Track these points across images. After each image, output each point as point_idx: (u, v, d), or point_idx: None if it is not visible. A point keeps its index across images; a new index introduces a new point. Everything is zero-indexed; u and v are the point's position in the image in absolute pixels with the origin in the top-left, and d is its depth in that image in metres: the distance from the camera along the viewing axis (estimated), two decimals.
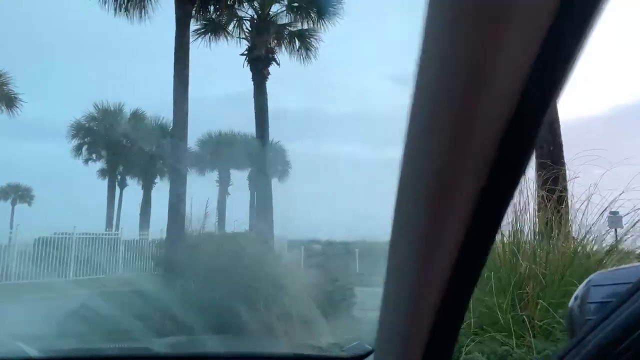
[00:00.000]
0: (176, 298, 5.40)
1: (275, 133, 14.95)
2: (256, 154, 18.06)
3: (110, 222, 20.29)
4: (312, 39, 13.87)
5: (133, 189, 21.96)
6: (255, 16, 12.79)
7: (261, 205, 11.46)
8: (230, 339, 3.12)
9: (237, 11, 13.12)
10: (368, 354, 1.14)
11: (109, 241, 15.88)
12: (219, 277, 6.67)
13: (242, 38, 13.14)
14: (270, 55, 12.61)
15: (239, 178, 23.34)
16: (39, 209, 26.75)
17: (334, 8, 13.08)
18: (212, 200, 19.74)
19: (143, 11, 11.62)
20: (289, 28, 13.61)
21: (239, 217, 21.23)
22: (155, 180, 21.37)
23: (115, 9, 11.60)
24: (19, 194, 27.59)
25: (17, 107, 20.03)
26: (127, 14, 11.63)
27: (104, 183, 22.23)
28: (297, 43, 13.73)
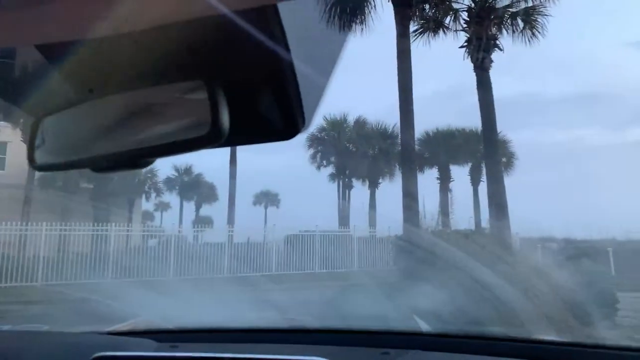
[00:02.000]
0: (430, 291, 5.54)
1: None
2: (480, 147, 17.26)
3: (342, 220, 22.25)
4: (537, 16, 12.66)
5: (359, 190, 23.72)
6: (473, 5, 12.32)
7: (493, 201, 10.94)
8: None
9: (453, 4, 12.86)
10: None
11: (343, 238, 17.45)
12: (462, 274, 6.61)
13: (460, 30, 12.83)
14: (492, 42, 11.96)
15: (459, 174, 22.80)
16: (285, 211, 31.29)
17: None
18: (435, 198, 19.75)
19: (364, 24, 12.42)
20: (510, 10, 12.69)
21: (460, 214, 20.66)
22: (380, 181, 22.62)
23: (340, 27, 12.68)
24: (269, 198, 32.77)
25: None
26: (350, 30, 12.60)
27: (334, 186, 24.59)
28: (521, 24, 12.70)
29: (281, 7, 0.51)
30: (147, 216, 29.53)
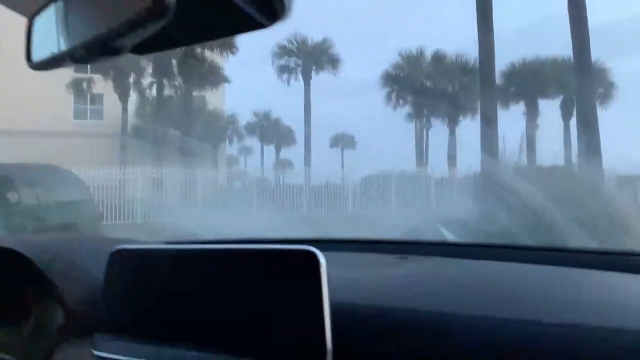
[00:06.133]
0: (502, 227, 5.43)
1: (593, 51, 12.68)
2: (572, 78, 15.78)
3: (420, 161, 21.84)
4: None
5: (438, 129, 22.90)
6: None
7: (583, 134, 10.06)
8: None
9: None
10: None
11: (421, 179, 17.21)
12: (543, 212, 6.34)
13: None
14: None
15: (548, 108, 21.11)
16: (361, 153, 31.26)
17: None
18: (520, 134, 18.57)
19: None
20: None
21: (552, 149, 19.35)
22: (459, 119, 21.61)
23: None
24: (345, 141, 32.82)
25: (339, 67, 23.53)
26: None
27: (411, 126, 23.93)
28: None
29: None
30: (232, 160, 31.01)
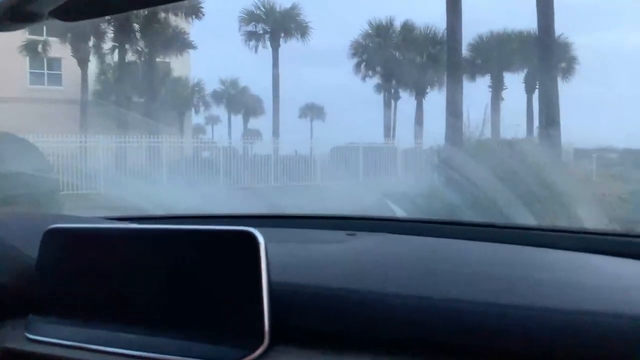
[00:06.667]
0: (460, 202, 5.55)
1: (558, 26, 12.90)
2: (536, 52, 16.06)
3: (388, 132, 21.99)
4: None
5: (406, 101, 23.01)
6: None
7: (544, 108, 10.33)
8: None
9: None
10: None
11: (388, 150, 17.40)
12: (501, 185, 6.51)
13: None
14: None
15: (514, 81, 21.48)
16: (330, 124, 31.10)
17: None
18: (485, 107, 18.90)
19: None
20: None
21: (515, 123, 19.80)
22: (427, 91, 21.76)
23: None
24: (315, 112, 32.55)
25: (308, 35, 23.09)
26: None
27: (380, 97, 23.94)
28: None
29: None
30: (199, 130, 30.27)
